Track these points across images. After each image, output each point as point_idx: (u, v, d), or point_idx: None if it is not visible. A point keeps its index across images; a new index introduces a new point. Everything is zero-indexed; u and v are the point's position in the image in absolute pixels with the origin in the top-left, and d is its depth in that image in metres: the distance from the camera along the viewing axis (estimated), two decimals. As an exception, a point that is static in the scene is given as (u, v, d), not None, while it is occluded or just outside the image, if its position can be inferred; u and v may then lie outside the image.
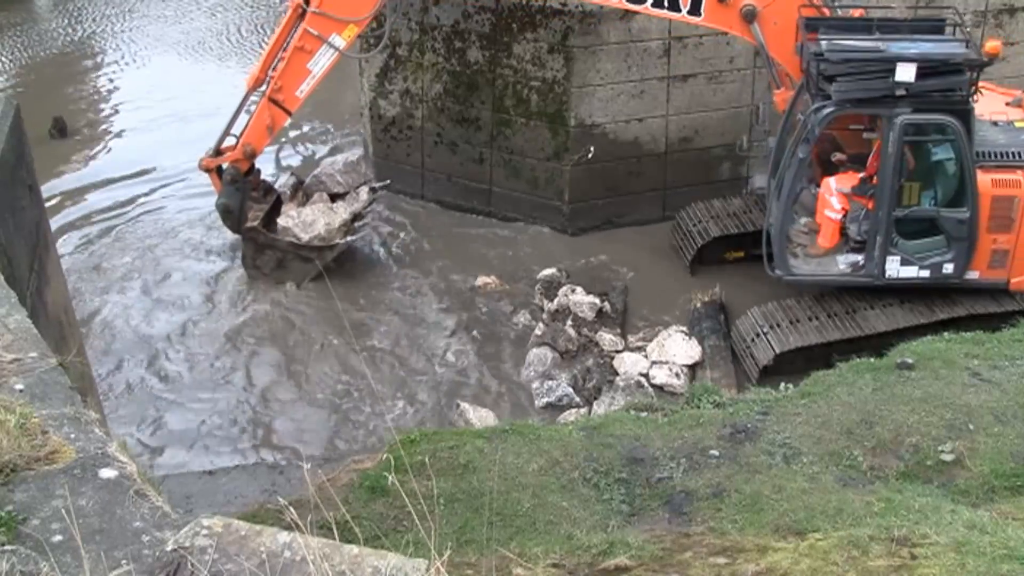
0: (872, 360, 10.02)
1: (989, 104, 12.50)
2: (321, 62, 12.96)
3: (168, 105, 19.65)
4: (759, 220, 13.88)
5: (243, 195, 13.79)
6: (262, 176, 14.59)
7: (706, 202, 14.51)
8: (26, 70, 21.74)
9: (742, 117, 15.12)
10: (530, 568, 6.54)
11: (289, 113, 13.44)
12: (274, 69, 13.10)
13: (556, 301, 13.66)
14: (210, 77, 21.00)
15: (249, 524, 4.11)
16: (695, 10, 12.65)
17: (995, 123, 12.21)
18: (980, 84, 12.79)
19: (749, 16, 12.47)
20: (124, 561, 3.99)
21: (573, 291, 13.73)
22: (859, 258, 12.34)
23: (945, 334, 10.71)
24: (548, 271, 14.41)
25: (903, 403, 8.93)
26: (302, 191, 15.23)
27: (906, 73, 11.24)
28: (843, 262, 12.49)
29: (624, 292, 13.92)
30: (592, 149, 15.00)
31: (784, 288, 12.93)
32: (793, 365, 11.84)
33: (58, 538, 4.13)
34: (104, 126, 19.34)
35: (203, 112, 18.51)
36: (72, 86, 21.01)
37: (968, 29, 11.92)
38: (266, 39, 22.73)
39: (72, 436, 4.75)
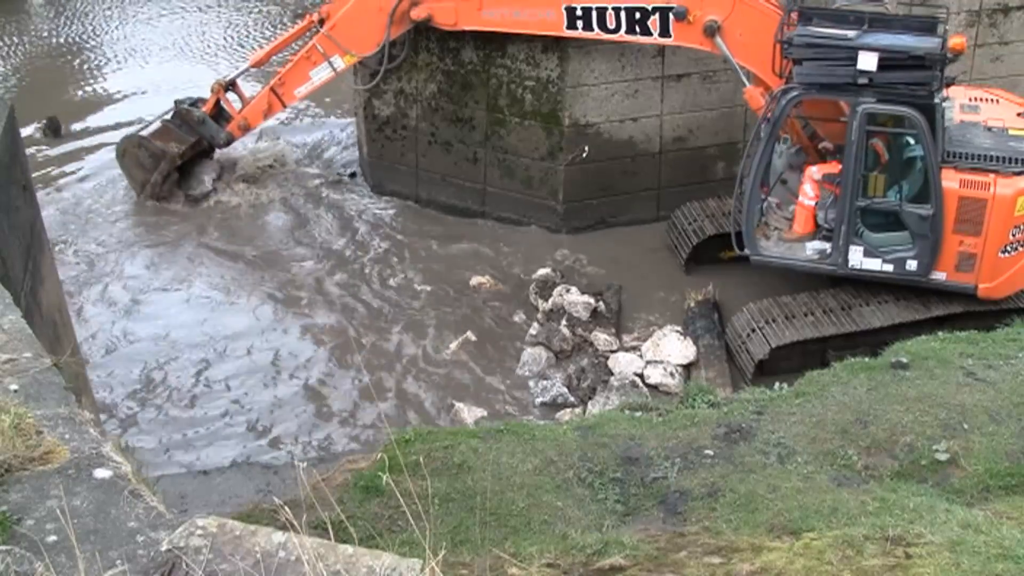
0: (867, 359, 10.04)
1: (996, 111, 12.51)
2: (321, 75, 14.73)
3: (162, 104, 19.55)
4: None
5: (210, 137, 15.82)
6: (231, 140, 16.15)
7: (701, 201, 14.51)
8: (20, 70, 21.70)
9: (736, 116, 15.13)
10: (524, 568, 6.55)
11: (285, 105, 15.44)
12: (282, 65, 15.55)
13: (551, 301, 13.65)
14: (203, 75, 20.94)
15: (244, 524, 4.11)
16: (665, 32, 13.21)
17: (989, 128, 12.21)
18: (996, 92, 12.86)
19: (710, 31, 12.90)
20: (119, 561, 3.99)
21: (568, 291, 13.73)
22: (826, 246, 12.47)
23: (940, 333, 10.73)
24: (542, 271, 14.41)
25: (898, 402, 8.95)
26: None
27: (868, 62, 11.35)
28: (810, 248, 12.64)
29: (618, 292, 13.91)
30: (586, 149, 15.00)
31: (779, 286, 12.95)
32: (789, 362, 11.86)
33: (53, 538, 4.13)
34: (98, 126, 19.29)
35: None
36: (66, 86, 20.97)
37: (947, 28, 11.95)
38: (257, 38, 22.83)
39: (67, 436, 4.75)
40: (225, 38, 23.31)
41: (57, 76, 21.35)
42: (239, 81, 16.13)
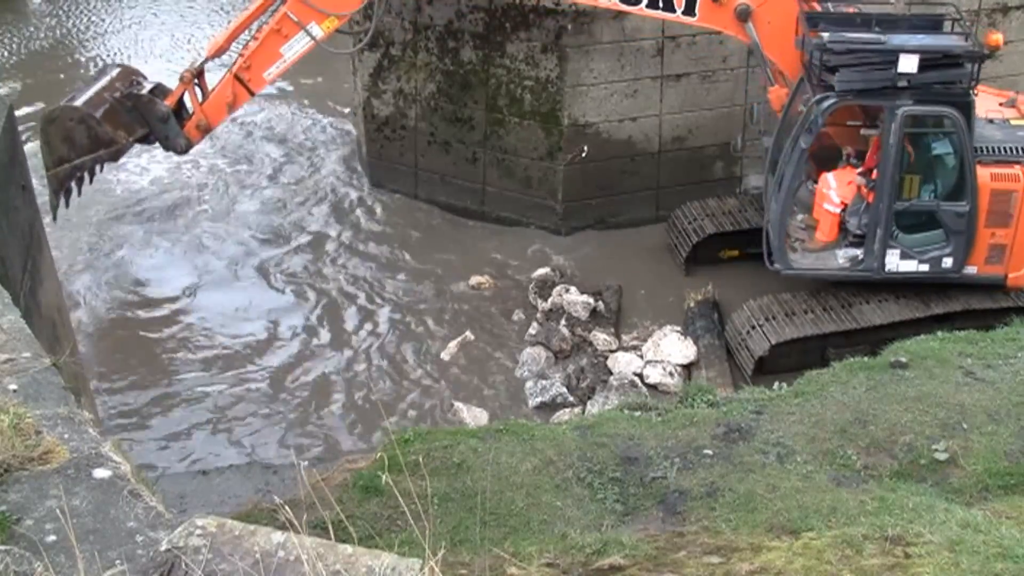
0: (866, 359, 10.04)
1: (984, 103, 12.55)
2: (295, 48, 12.58)
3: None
4: (754, 218, 13.89)
5: (165, 139, 13.08)
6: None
7: (701, 200, 14.50)
8: (19, 70, 21.68)
9: (735, 116, 15.13)
10: (524, 568, 6.55)
11: (252, 93, 13.07)
12: (245, 46, 12.84)
13: (550, 301, 13.66)
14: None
15: (243, 524, 4.11)
16: (690, 10, 12.57)
17: (991, 120, 12.29)
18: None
19: (743, 15, 12.39)
20: (118, 561, 3.99)
21: (567, 291, 13.73)
22: (858, 252, 12.35)
23: (939, 332, 10.73)
24: (542, 271, 14.41)
25: (897, 402, 8.95)
26: None
27: (909, 64, 11.30)
28: (842, 256, 12.51)
29: (618, 292, 13.91)
30: (585, 148, 15.00)
31: (779, 285, 12.94)
32: (788, 360, 11.85)
33: (52, 538, 4.13)
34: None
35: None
36: (66, 85, 20.92)
37: (969, 24, 11.95)
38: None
39: (66, 436, 4.75)
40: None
41: (56, 76, 21.33)
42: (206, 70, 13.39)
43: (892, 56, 11.36)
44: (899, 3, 13.98)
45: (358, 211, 16.15)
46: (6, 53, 22.36)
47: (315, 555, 3.85)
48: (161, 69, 21.59)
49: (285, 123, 18.96)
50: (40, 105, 19.18)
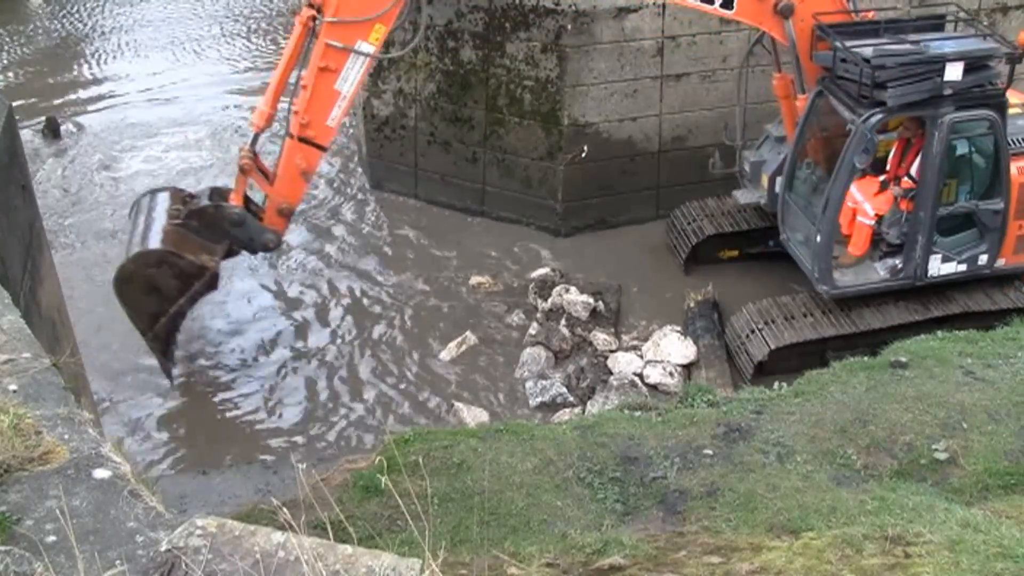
0: (866, 359, 10.04)
1: None
2: (351, 78, 11.16)
3: (162, 104, 19.64)
4: (753, 219, 13.89)
5: (250, 241, 11.81)
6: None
7: (700, 201, 14.50)
8: (18, 70, 21.68)
9: (735, 116, 15.11)
10: (524, 568, 6.55)
11: (324, 149, 11.66)
12: (292, 102, 11.45)
13: (550, 301, 13.65)
14: (204, 74, 20.98)
15: (243, 524, 4.11)
16: (727, 4, 12.11)
17: None
18: None
19: (786, 11, 11.99)
20: (118, 561, 3.99)
21: (567, 291, 13.73)
22: (896, 261, 12.27)
23: (939, 332, 10.74)
24: (542, 271, 14.41)
25: (897, 402, 8.96)
26: None
27: (955, 72, 11.19)
28: (881, 268, 12.40)
29: (618, 292, 13.91)
30: (585, 148, 15.00)
31: (778, 286, 12.93)
32: (788, 363, 11.84)
33: (52, 539, 4.13)
34: (97, 125, 19.27)
35: (197, 109, 18.56)
36: (65, 85, 20.96)
37: (986, 24, 11.90)
38: (260, 36, 22.80)
39: (66, 436, 4.74)
40: (224, 36, 23.27)
41: (56, 76, 21.34)
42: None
43: (937, 65, 11.21)
44: (905, 7, 13.94)
45: (358, 211, 16.15)
46: (5, 53, 22.37)
47: (315, 555, 3.85)
48: (162, 64, 21.68)
49: (282, 123, 18.92)
50: (39, 105, 19.25)
